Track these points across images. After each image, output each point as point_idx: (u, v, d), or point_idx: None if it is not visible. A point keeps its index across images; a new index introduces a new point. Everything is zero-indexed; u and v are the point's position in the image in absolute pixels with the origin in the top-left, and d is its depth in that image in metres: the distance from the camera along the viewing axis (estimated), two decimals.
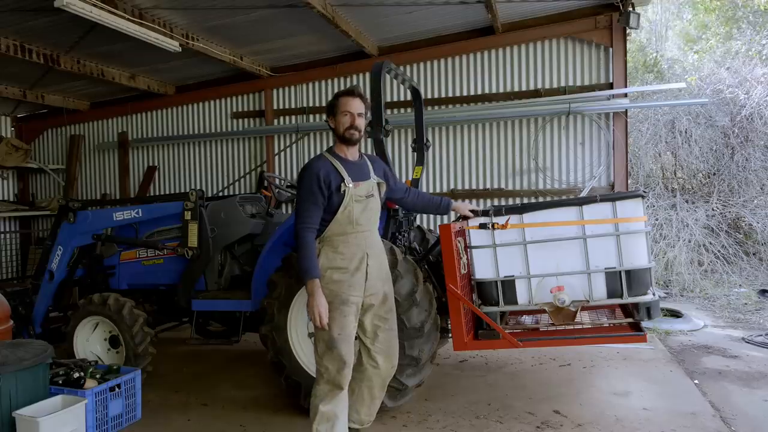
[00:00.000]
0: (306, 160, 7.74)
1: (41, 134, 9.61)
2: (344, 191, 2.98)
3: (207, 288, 4.65)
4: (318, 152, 7.81)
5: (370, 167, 3.21)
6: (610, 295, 3.51)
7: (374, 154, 3.64)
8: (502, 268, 3.69)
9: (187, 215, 4.54)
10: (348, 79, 7.65)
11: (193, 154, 8.62)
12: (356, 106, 3.08)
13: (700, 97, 9.16)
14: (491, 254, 3.64)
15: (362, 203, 3.04)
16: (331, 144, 3.22)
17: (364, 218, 3.05)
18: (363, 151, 3.30)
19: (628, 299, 3.48)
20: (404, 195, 3.55)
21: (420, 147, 4.63)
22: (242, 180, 8.32)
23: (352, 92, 3.11)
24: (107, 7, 5.13)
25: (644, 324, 3.63)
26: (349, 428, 3.18)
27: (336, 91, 7.70)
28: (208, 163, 8.53)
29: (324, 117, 7.61)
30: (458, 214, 3.68)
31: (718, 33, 11.55)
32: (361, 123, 3.10)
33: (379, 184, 3.20)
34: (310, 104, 7.86)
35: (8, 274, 9.14)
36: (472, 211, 3.60)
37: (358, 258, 3.02)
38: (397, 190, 3.50)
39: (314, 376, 3.72)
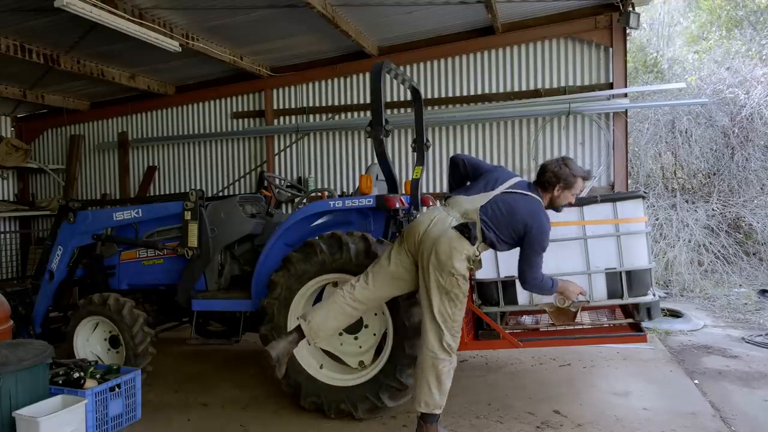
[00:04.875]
0: (306, 160, 7.88)
1: (41, 134, 9.62)
2: None
3: (207, 288, 4.64)
4: (318, 152, 7.84)
5: None
6: (610, 296, 3.52)
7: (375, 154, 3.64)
8: (503, 268, 3.70)
9: (187, 215, 4.53)
10: (348, 79, 7.65)
11: (193, 154, 8.62)
12: None
13: (700, 97, 9.16)
14: (492, 254, 3.64)
15: None
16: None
17: None
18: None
19: (628, 300, 3.50)
20: None
21: (420, 147, 4.62)
22: (242, 180, 8.32)
23: (588, 178, 3.39)
24: (107, 7, 5.13)
25: (644, 324, 3.65)
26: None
27: (336, 91, 7.76)
28: (208, 163, 8.53)
29: (325, 117, 7.76)
30: None
31: (720, 31, 11.53)
32: None
33: None
34: (310, 104, 7.86)
35: (8, 274, 9.14)
36: None
37: None
38: None
39: (313, 376, 3.82)
